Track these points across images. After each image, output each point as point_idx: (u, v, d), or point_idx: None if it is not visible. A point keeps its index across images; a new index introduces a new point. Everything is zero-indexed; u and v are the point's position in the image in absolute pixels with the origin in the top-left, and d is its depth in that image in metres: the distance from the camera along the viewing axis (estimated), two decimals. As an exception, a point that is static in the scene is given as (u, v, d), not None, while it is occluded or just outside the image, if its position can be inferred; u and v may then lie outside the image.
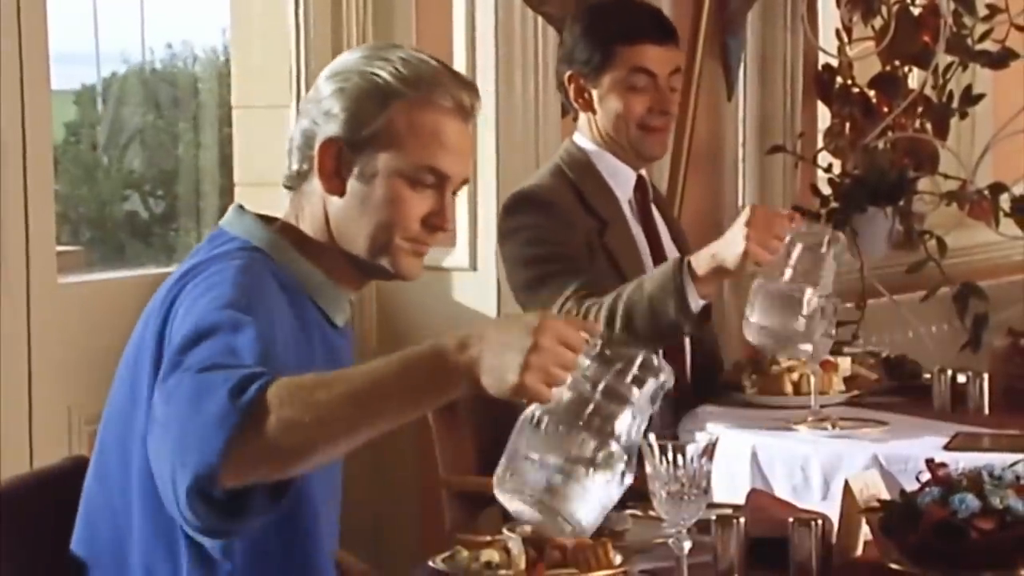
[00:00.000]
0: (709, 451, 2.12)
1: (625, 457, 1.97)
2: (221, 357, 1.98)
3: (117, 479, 2.21)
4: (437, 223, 2.28)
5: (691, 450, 2.11)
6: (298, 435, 1.91)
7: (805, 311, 3.15)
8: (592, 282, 3.39)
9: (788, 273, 3.16)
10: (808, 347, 3.20)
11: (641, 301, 3.25)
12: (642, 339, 3.20)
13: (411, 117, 2.25)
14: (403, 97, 2.25)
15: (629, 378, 1.98)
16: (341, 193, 2.26)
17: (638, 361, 1.99)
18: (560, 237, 3.48)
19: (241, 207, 2.33)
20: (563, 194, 3.55)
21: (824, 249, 3.16)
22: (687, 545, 2.14)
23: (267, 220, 2.32)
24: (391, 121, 2.25)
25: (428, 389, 1.96)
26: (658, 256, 3.63)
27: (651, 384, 1.98)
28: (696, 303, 3.24)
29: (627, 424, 1.98)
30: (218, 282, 2.13)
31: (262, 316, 2.09)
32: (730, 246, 3.17)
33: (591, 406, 1.97)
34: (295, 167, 2.31)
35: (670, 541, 2.16)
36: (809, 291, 3.15)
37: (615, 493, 1.97)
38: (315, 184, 2.28)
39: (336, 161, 2.26)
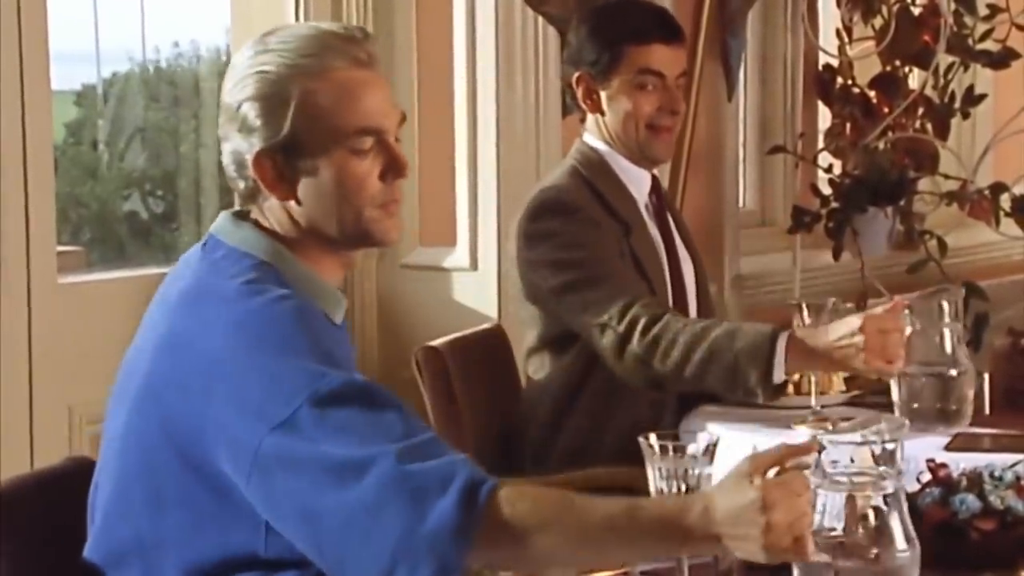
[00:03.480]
0: (710, 451, 2.11)
1: None
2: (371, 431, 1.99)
3: (140, 505, 2.18)
4: (395, 174, 2.24)
5: (691, 450, 2.11)
6: (527, 564, 2.00)
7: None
8: (631, 293, 3.36)
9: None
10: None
11: (728, 352, 3.22)
12: (709, 388, 3.26)
13: (316, 94, 2.20)
14: (299, 80, 2.20)
15: None
16: (296, 197, 2.23)
17: None
18: (591, 239, 3.44)
19: (233, 214, 2.29)
20: (586, 198, 3.53)
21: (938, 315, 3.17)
22: None
23: (241, 215, 2.29)
24: (301, 107, 2.19)
25: (658, 551, 2.04)
26: (673, 259, 3.62)
27: None
28: (780, 377, 3.22)
29: None
30: (276, 346, 2.07)
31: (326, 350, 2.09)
32: (846, 360, 3.14)
33: None
34: (241, 187, 2.26)
35: None
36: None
37: None
38: (272, 200, 2.24)
39: (275, 170, 2.22)
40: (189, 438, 2.08)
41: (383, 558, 1.94)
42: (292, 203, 2.23)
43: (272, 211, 2.26)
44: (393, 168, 2.24)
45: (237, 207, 2.32)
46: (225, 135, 2.25)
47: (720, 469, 3.45)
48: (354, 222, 2.24)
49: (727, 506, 1.96)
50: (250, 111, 2.21)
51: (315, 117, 2.20)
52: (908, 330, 3.15)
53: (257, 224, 2.27)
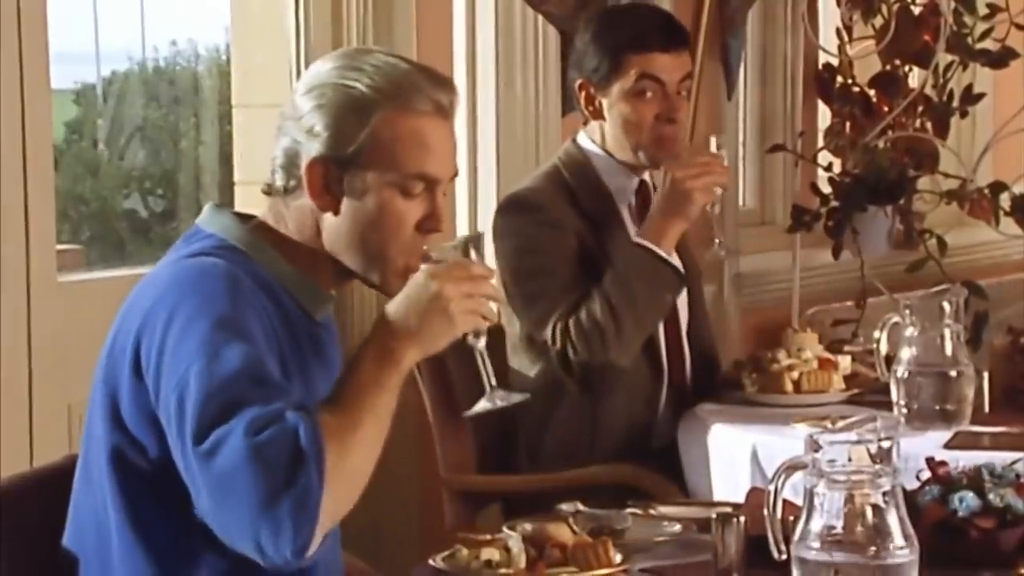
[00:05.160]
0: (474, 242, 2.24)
1: None
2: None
3: (96, 478, 2.23)
4: (431, 226, 2.29)
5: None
6: (353, 481, 2.10)
7: None
8: (564, 303, 3.49)
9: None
10: None
11: (633, 283, 3.45)
12: (647, 320, 3.49)
13: (393, 127, 2.25)
14: (383, 108, 2.24)
15: None
16: (335, 210, 2.26)
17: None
18: (549, 242, 3.51)
19: (217, 205, 2.35)
20: (555, 198, 3.56)
21: None
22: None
23: (244, 217, 2.33)
24: (374, 134, 2.24)
25: (398, 379, 2.15)
26: (657, 260, 3.64)
27: None
28: (678, 261, 3.53)
29: None
30: (194, 314, 2.14)
31: (245, 318, 2.15)
32: (681, 208, 3.46)
33: None
34: (281, 184, 2.30)
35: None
36: None
37: None
38: (304, 201, 2.28)
39: (324, 179, 2.26)
40: (121, 396, 2.18)
41: (245, 528, 2.02)
42: (328, 215, 2.27)
43: (299, 213, 2.30)
44: (431, 220, 2.29)
45: (262, 206, 2.35)
46: (285, 130, 2.29)
47: (719, 467, 3.47)
48: (376, 255, 2.28)
49: (400, 302, 2.16)
50: (321, 118, 2.25)
51: (384, 147, 2.24)
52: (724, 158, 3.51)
53: (240, 215, 2.32)
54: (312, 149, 2.25)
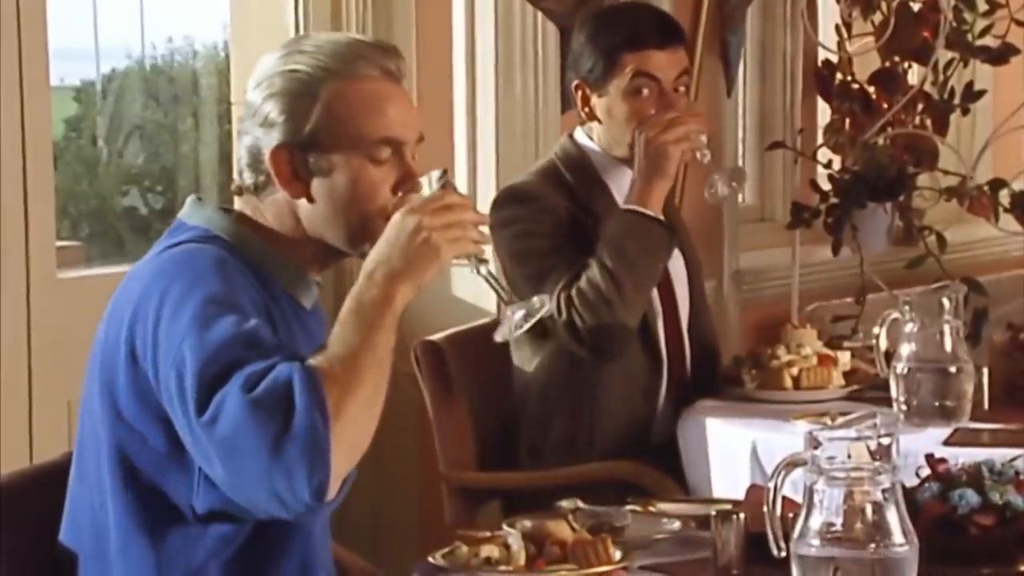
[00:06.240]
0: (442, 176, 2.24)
1: None
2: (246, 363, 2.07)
3: (93, 473, 2.24)
4: (408, 189, 2.28)
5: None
6: (360, 421, 2.08)
7: None
8: (566, 277, 3.48)
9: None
10: None
11: (629, 250, 3.44)
12: (648, 279, 3.51)
13: (346, 97, 2.25)
14: (329, 81, 2.25)
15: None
16: (308, 195, 2.26)
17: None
18: (547, 227, 3.52)
19: (199, 199, 2.35)
20: (550, 191, 3.56)
21: None
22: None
23: (225, 211, 2.34)
24: (328, 109, 2.24)
25: (393, 319, 2.16)
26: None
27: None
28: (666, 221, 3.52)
29: None
30: (185, 293, 2.14)
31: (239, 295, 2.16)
32: (658, 165, 3.45)
33: None
34: (250, 182, 2.31)
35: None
36: None
37: None
38: (278, 194, 2.29)
39: (290, 165, 2.26)
40: (118, 389, 2.20)
41: (261, 483, 2.03)
42: (303, 202, 2.26)
43: (275, 206, 2.30)
44: (406, 182, 2.28)
45: (236, 203, 2.35)
46: (244, 130, 2.30)
47: (718, 464, 3.47)
48: (359, 228, 2.27)
49: (381, 245, 2.17)
50: (274, 107, 2.26)
51: (340, 120, 2.24)
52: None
53: (223, 209, 2.33)
54: (272, 139, 2.26)
